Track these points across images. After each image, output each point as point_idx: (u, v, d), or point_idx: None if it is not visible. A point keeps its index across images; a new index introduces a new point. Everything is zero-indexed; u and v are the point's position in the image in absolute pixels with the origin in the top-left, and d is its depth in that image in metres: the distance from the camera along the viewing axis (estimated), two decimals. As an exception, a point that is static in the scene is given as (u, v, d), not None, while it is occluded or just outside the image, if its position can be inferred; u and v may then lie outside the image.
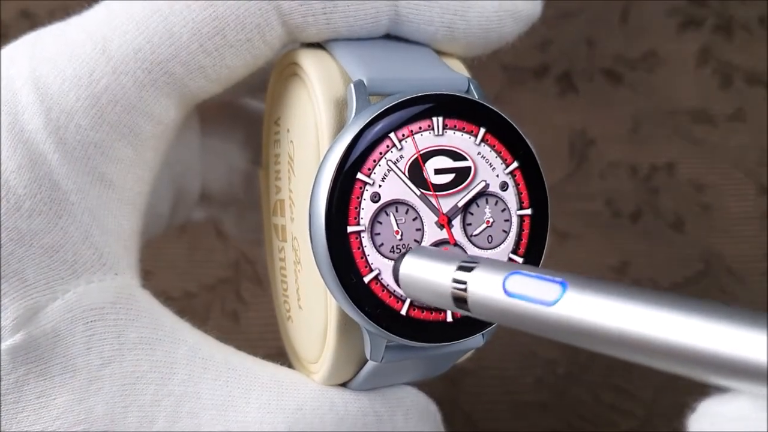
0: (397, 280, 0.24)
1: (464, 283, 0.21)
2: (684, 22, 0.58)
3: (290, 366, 0.29)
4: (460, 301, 0.21)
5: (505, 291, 0.20)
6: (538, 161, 0.26)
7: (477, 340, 0.26)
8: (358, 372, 0.27)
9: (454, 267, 0.22)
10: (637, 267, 0.49)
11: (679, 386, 0.44)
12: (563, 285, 0.19)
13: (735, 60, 0.56)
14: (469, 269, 0.21)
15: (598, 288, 0.18)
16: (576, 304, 0.18)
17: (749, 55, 0.57)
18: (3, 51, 0.27)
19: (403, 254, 0.24)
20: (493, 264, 0.21)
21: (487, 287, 0.20)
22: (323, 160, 0.24)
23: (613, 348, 0.18)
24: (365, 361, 0.26)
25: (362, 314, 0.24)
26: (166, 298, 0.40)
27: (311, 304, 0.27)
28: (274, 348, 0.34)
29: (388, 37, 0.28)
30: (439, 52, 0.28)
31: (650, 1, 0.58)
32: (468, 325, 0.26)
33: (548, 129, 0.53)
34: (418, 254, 0.24)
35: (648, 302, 0.17)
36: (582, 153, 0.53)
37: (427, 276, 0.23)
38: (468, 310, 0.21)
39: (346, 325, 0.26)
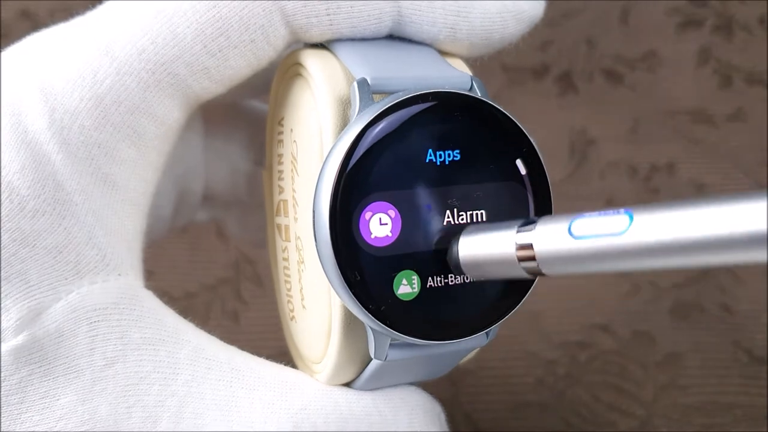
0: (457, 266, 0.24)
1: (529, 243, 0.21)
2: (684, 22, 0.58)
3: (294, 366, 0.29)
4: (528, 260, 0.22)
5: (573, 236, 0.20)
6: (542, 159, 0.26)
7: (481, 339, 0.26)
8: (362, 371, 0.27)
9: (514, 231, 0.22)
10: (637, 267, 0.49)
11: (679, 386, 0.44)
12: (629, 213, 0.19)
13: (735, 60, 0.56)
14: (530, 228, 0.22)
15: (660, 208, 0.19)
16: (646, 225, 0.19)
17: (749, 55, 0.57)
18: (6, 52, 0.27)
19: (454, 237, 0.24)
20: (552, 217, 0.21)
21: (554, 238, 0.21)
22: (326, 159, 0.24)
23: (688, 256, 0.18)
24: (369, 361, 0.27)
25: (366, 312, 0.24)
26: (167, 298, 0.40)
27: (315, 303, 0.27)
28: (275, 348, 0.34)
29: (391, 37, 0.28)
30: (442, 52, 0.28)
31: (650, 1, 0.58)
32: (472, 323, 0.26)
33: (548, 129, 0.53)
34: (472, 231, 0.24)
35: (708, 205, 0.18)
36: (582, 153, 0.53)
37: (488, 249, 0.23)
38: (539, 271, 0.22)
39: (350, 325, 0.26)
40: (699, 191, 0.51)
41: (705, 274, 0.48)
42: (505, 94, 0.54)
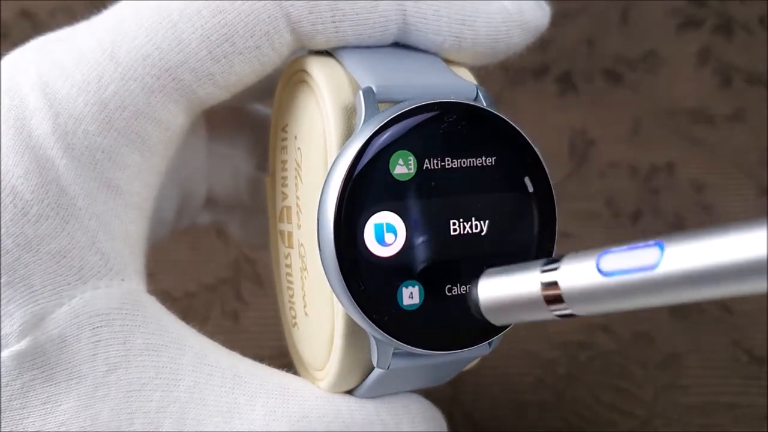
0: (478, 311, 0.24)
1: (554, 282, 0.21)
2: (684, 22, 0.58)
3: (295, 372, 0.29)
4: (555, 302, 0.21)
5: (602, 272, 0.20)
6: (546, 169, 0.26)
7: (483, 348, 0.26)
8: (364, 379, 0.27)
9: (538, 271, 0.21)
10: (637, 267, 0.49)
11: (679, 386, 0.44)
12: (660, 245, 0.18)
13: (735, 60, 0.56)
14: (555, 267, 0.21)
15: (691, 237, 0.18)
16: (679, 257, 0.18)
17: (749, 55, 0.57)
18: (10, 56, 0.27)
19: (473, 283, 0.24)
20: (577, 255, 0.21)
21: (581, 276, 0.20)
22: (332, 168, 0.24)
23: (725, 286, 0.17)
24: (371, 369, 0.27)
25: (370, 321, 0.24)
26: (167, 298, 0.40)
27: (318, 311, 0.27)
28: (275, 348, 0.34)
29: (396, 45, 0.28)
30: (448, 61, 0.28)
31: (650, 1, 0.58)
32: (475, 332, 0.26)
33: (548, 129, 0.53)
34: (493, 274, 0.24)
35: (741, 230, 0.17)
36: (582, 153, 0.53)
37: (510, 292, 0.23)
38: (567, 311, 0.21)
39: (352, 333, 0.26)
40: (699, 191, 0.51)
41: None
42: (506, 95, 0.54)
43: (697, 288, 0.18)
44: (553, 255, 0.26)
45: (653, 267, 0.18)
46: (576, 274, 0.20)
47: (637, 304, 0.19)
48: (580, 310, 0.21)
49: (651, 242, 0.19)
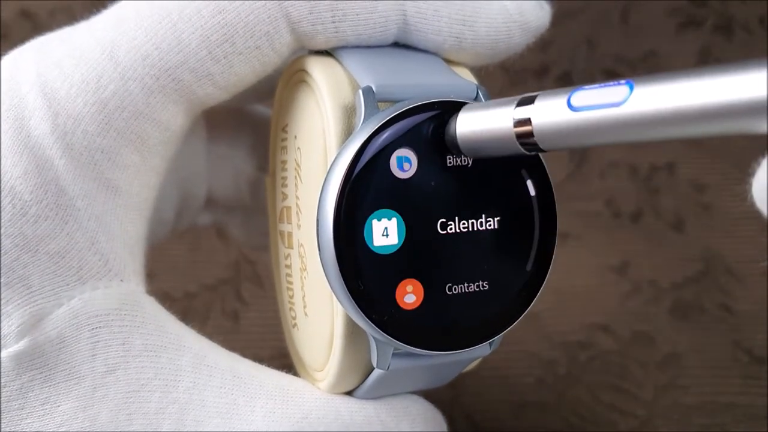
0: (454, 144, 0.24)
1: (527, 118, 0.21)
2: (684, 22, 0.57)
3: (295, 373, 0.29)
4: (525, 136, 0.21)
5: (572, 107, 0.20)
6: (546, 169, 0.26)
7: (484, 349, 0.26)
8: (364, 380, 0.27)
9: (512, 106, 0.22)
10: (637, 267, 0.49)
11: (679, 386, 0.44)
12: (629, 84, 0.19)
13: (735, 60, 0.56)
14: (529, 102, 0.21)
15: (661, 78, 0.18)
16: (647, 95, 0.18)
17: (749, 55, 0.56)
18: (9, 55, 0.27)
19: (453, 116, 0.24)
20: (551, 92, 0.21)
21: (552, 111, 0.20)
22: (331, 167, 0.24)
23: (688, 126, 0.18)
24: (371, 370, 0.27)
25: (369, 321, 0.24)
26: (167, 298, 0.40)
27: (317, 311, 0.27)
28: (274, 348, 0.34)
29: (397, 45, 0.28)
30: (448, 61, 0.28)
31: (650, 1, 0.58)
32: (475, 333, 0.26)
33: (548, 129, 0.53)
34: (471, 108, 0.24)
35: (709, 74, 0.17)
36: (582, 153, 0.53)
37: (485, 125, 0.23)
38: (537, 146, 0.21)
39: (352, 333, 0.26)
40: (699, 191, 0.51)
41: (705, 274, 0.48)
42: (506, 95, 0.53)
43: (660, 126, 0.18)
44: (552, 259, 0.26)
45: (621, 103, 0.19)
46: (548, 109, 0.21)
47: (604, 140, 0.20)
48: (549, 144, 0.21)
49: (622, 81, 0.19)
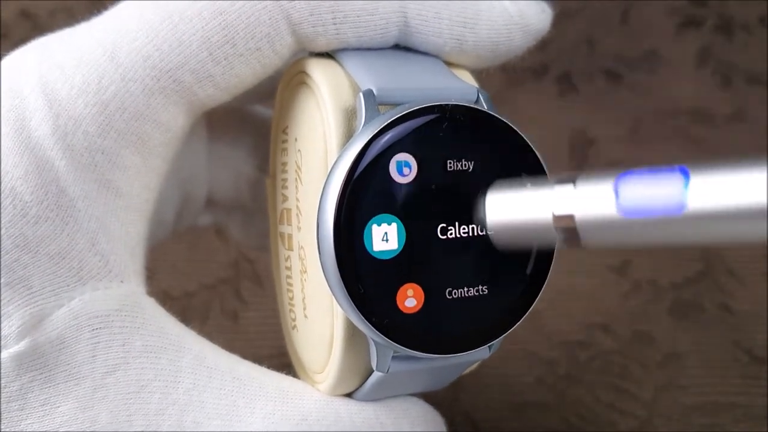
0: (483, 226, 0.23)
1: (569, 215, 0.19)
2: (684, 22, 0.58)
3: (294, 374, 0.29)
4: (567, 230, 0.20)
5: (623, 210, 0.18)
6: (547, 173, 0.26)
7: (483, 352, 0.26)
8: (363, 382, 0.27)
9: (551, 190, 0.20)
10: (637, 267, 0.49)
11: (679, 386, 0.44)
12: (684, 173, 0.17)
13: (735, 60, 0.56)
14: (569, 189, 0.19)
15: (719, 169, 0.16)
16: (706, 193, 0.16)
17: (749, 55, 0.57)
18: (10, 56, 0.27)
19: (481, 192, 0.23)
20: (592, 178, 0.19)
21: (599, 210, 0.18)
22: (332, 170, 0.24)
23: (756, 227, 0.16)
24: (371, 372, 0.26)
25: (369, 324, 0.24)
26: (167, 297, 0.40)
27: (317, 313, 0.27)
28: (274, 348, 0.34)
29: (397, 47, 0.28)
30: (449, 64, 0.28)
31: (650, 1, 0.58)
32: (475, 336, 0.26)
33: (548, 129, 0.53)
34: (502, 187, 0.22)
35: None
36: (582, 153, 0.53)
37: (520, 212, 0.21)
38: (578, 243, 0.20)
39: (352, 336, 0.26)
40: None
41: (705, 274, 0.48)
42: (505, 95, 0.54)
43: (721, 222, 0.16)
44: (552, 262, 0.26)
45: (679, 209, 0.17)
46: (594, 207, 0.19)
47: (658, 244, 0.18)
48: (593, 243, 0.20)
49: (674, 169, 0.17)
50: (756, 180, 0.16)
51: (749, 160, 0.16)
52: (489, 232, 0.24)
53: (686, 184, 0.17)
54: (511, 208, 0.22)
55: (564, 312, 0.47)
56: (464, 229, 0.25)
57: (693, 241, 0.17)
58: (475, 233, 0.25)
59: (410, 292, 0.24)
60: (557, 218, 0.20)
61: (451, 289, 0.25)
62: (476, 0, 0.27)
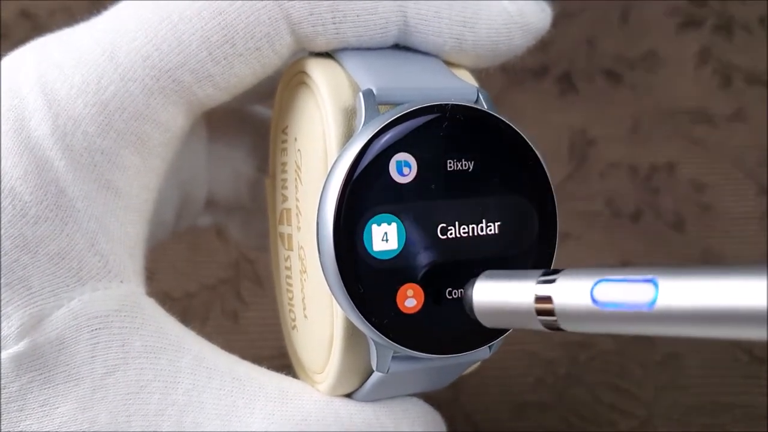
0: (470, 311, 0.23)
1: (548, 296, 0.20)
2: (684, 22, 0.57)
3: (294, 375, 0.29)
4: (546, 314, 0.21)
5: (595, 302, 0.19)
6: (547, 171, 0.26)
7: (484, 352, 0.26)
8: (363, 383, 0.27)
9: (533, 282, 0.21)
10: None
11: (679, 386, 0.44)
12: (654, 282, 0.18)
13: (735, 60, 0.56)
14: (551, 281, 0.21)
15: (687, 274, 0.17)
16: (673, 297, 0.17)
17: (749, 55, 0.57)
18: (10, 56, 0.27)
19: (469, 282, 0.23)
20: (573, 274, 0.20)
21: (574, 299, 0.20)
22: (331, 170, 0.24)
23: (719, 328, 0.17)
24: (371, 372, 0.26)
25: (369, 325, 0.24)
26: (167, 298, 0.40)
27: (317, 313, 0.27)
28: (274, 348, 0.34)
29: (397, 47, 0.28)
30: (449, 63, 0.28)
31: (650, 1, 0.58)
32: (475, 336, 0.26)
33: (548, 129, 0.53)
34: (489, 277, 0.23)
35: (737, 274, 0.17)
36: (582, 153, 0.53)
37: (504, 298, 0.22)
38: (557, 326, 0.21)
39: (352, 336, 0.26)
40: (699, 191, 0.51)
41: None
42: (506, 95, 0.54)
43: (689, 328, 0.18)
44: (552, 263, 0.26)
45: (648, 306, 0.18)
46: (570, 295, 0.20)
47: (627, 332, 0.19)
48: (571, 327, 0.20)
49: (646, 277, 0.18)
50: (721, 290, 0.17)
51: (716, 267, 0.17)
52: (475, 315, 0.23)
53: (656, 291, 0.18)
54: (496, 294, 0.22)
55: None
56: (464, 229, 0.25)
57: (658, 333, 0.18)
58: (475, 233, 0.25)
59: (410, 293, 0.24)
60: (538, 299, 0.21)
61: (451, 288, 0.25)
62: None
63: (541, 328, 0.21)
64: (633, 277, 0.19)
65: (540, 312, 0.21)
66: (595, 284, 0.19)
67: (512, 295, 0.22)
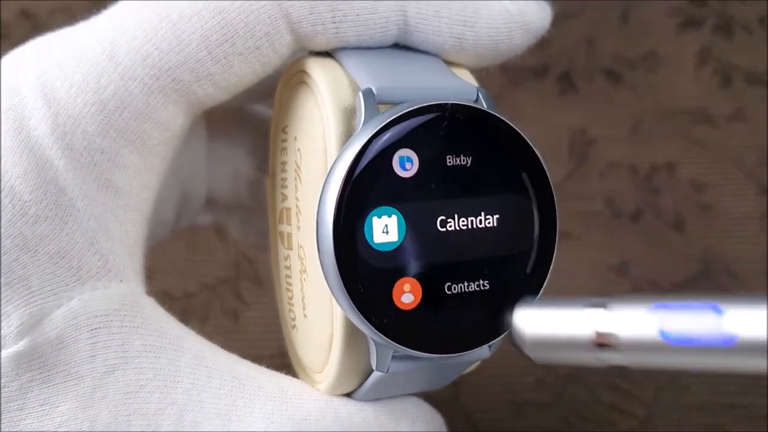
0: (521, 344, 0.21)
1: (610, 333, 0.19)
2: (684, 22, 0.57)
3: (294, 374, 0.29)
4: (607, 349, 0.19)
5: (666, 337, 0.18)
6: (546, 170, 0.26)
7: (483, 352, 0.26)
8: (363, 382, 0.27)
9: (587, 311, 0.20)
10: (637, 267, 0.49)
11: (679, 386, 0.44)
12: (716, 310, 0.17)
13: (735, 60, 0.56)
14: (607, 314, 0.19)
15: (750, 302, 0.17)
16: (747, 332, 0.17)
17: (749, 55, 0.57)
18: (9, 55, 0.27)
19: (508, 308, 0.22)
20: (629, 301, 0.19)
21: (640, 333, 0.19)
22: (331, 169, 0.24)
23: None
24: (370, 372, 0.26)
25: (369, 324, 0.24)
26: (167, 297, 0.40)
27: (317, 313, 0.27)
28: (274, 348, 0.34)
29: (397, 46, 0.28)
30: (448, 62, 0.28)
31: (650, 1, 0.58)
32: (474, 335, 0.26)
33: (548, 129, 0.53)
34: (535, 305, 0.21)
35: None
36: (582, 153, 0.53)
37: (558, 331, 0.20)
38: (616, 365, 0.20)
39: (352, 335, 0.26)
40: (699, 191, 0.51)
41: (705, 274, 0.48)
42: (505, 94, 0.54)
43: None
44: (552, 262, 0.26)
45: (726, 343, 0.17)
46: (635, 329, 0.19)
47: (700, 367, 0.18)
48: (634, 365, 0.19)
49: (707, 304, 0.17)
50: None
51: None
52: (526, 350, 0.22)
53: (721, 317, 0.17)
54: (547, 326, 0.21)
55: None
56: (463, 221, 0.25)
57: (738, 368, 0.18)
58: (474, 226, 0.25)
59: (407, 287, 0.24)
60: (599, 336, 0.19)
61: (450, 284, 0.25)
62: None
63: (596, 364, 0.20)
64: (694, 303, 0.18)
65: (600, 346, 0.19)
66: (662, 317, 0.18)
67: (567, 328, 0.20)
